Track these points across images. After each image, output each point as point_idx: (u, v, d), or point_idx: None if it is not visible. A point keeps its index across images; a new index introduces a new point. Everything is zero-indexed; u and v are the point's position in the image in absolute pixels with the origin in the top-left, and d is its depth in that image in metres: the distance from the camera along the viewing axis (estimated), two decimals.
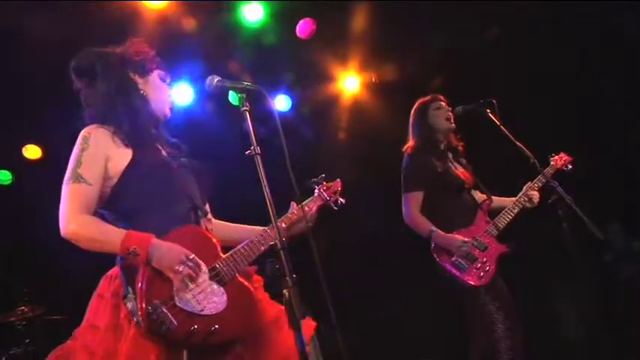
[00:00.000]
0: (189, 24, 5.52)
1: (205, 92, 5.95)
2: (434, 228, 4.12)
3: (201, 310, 2.38)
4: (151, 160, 2.59)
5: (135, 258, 2.33)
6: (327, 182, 3.17)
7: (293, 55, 6.17)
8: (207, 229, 2.65)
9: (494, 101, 4.15)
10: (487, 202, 4.35)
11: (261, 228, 2.81)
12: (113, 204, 2.54)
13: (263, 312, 2.61)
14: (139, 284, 2.30)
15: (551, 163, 4.50)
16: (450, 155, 4.47)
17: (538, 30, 5.92)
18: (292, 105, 6.67)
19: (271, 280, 2.59)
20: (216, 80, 2.79)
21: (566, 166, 4.49)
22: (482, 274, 3.98)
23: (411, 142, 4.47)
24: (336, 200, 3.13)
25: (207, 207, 2.85)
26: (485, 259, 4.04)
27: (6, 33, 4.89)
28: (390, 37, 6.11)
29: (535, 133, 4.38)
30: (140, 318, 2.24)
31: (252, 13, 5.66)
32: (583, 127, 5.99)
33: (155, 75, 2.84)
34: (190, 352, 2.30)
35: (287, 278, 2.34)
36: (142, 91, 2.73)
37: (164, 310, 2.29)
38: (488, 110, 4.15)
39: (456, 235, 4.09)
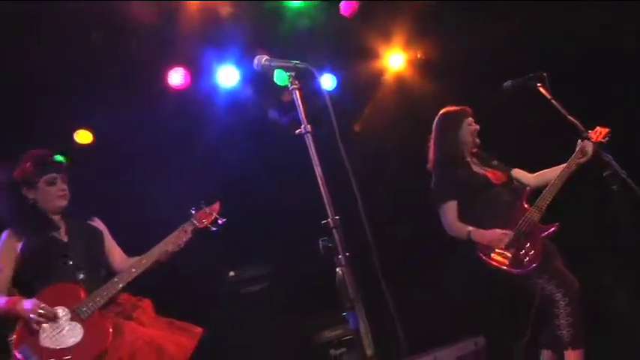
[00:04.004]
0: (234, 5, 5.52)
1: (250, 74, 6.00)
2: (471, 228, 4.13)
3: (58, 345, 3.16)
4: (37, 242, 3.45)
5: (14, 316, 3.24)
6: (205, 207, 3.76)
7: (337, 34, 6.11)
8: (79, 280, 3.42)
9: (544, 75, 4.05)
10: (526, 190, 4.29)
11: (136, 260, 3.56)
12: (21, 277, 3.45)
13: (130, 334, 3.29)
14: (14, 335, 3.20)
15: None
16: (476, 160, 4.45)
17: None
18: (337, 84, 6.61)
19: (323, 259, 2.59)
20: (264, 59, 2.87)
21: (604, 139, 4.36)
22: (526, 259, 3.96)
23: (432, 156, 4.47)
24: (214, 221, 3.73)
25: (117, 254, 3.76)
26: (528, 244, 4.00)
27: (57, 22, 4.97)
28: (436, 12, 6.01)
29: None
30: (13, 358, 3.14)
31: None
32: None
33: (42, 183, 3.57)
34: None
35: (339, 257, 2.35)
36: (30, 200, 3.55)
37: (29, 350, 3.11)
38: (538, 84, 4.06)
39: (494, 229, 4.07)
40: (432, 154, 4.48)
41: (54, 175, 3.60)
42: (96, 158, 6.37)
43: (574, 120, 3.95)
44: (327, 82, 6.48)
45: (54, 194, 3.57)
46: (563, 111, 3.97)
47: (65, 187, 3.63)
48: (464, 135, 4.39)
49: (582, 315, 3.90)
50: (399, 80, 6.81)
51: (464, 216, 4.23)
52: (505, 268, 3.99)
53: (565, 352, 3.87)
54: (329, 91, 6.43)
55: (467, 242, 4.15)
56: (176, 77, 5.92)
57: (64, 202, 3.60)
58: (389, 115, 6.84)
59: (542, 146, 5.25)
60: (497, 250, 4.01)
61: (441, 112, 4.52)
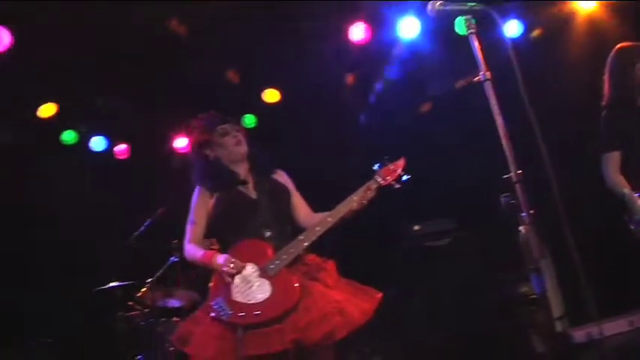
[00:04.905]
0: None
1: (431, 24, 5.82)
2: (626, 191, 3.75)
3: (249, 301, 3.27)
4: (228, 197, 3.59)
5: (210, 268, 3.47)
6: (390, 163, 3.57)
7: None
8: (266, 237, 3.49)
9: None
10: None
11: (321, 218, 3.49)
12: (213, 230, 3.67)
13: (320, 297, 3.32)
14: (211, 286, 3.42)
15: None
16: None
17: None
18: (524, 30, 6.19)
19: (505, 217, 2.45)
20: (438, 4, 2.73)
21: None
22: None
23: (607, 94, 4.01)
24: (398, 178, 3.53)
25: (303, 210, 3.75)
26: None
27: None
28: None
29: None
30: (208, 309, 3.33)
31: None
32: None
33: (216, 137, 3.67)
34: (244, 329, 3.21)
35: (522, 214, 2.22)
36: (211, 158, 3.68)
37: (223, 302, 3.29)
38: None
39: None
40: (605, 90, 4.05)
41: (223, 126, 3.70)
42: (283, 116, 6.63)
43: None
44: (513, 28, 6.10)
45: (230, 143, 3.65)
46: None
47: (238, 134, 3.70)
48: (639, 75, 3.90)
49: None
50: (590, 23, 6.24)
51: (624, 170, 3.86)
52: None
53: None
54: (514, 38, 6.07)
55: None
56: (357, 32, 5.92)
57: (243, 149, 3.66)
58: (578, 62, 6.31)
59: None
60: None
61: (616, 47, 4.05)
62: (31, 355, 5.44)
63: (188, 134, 3.92)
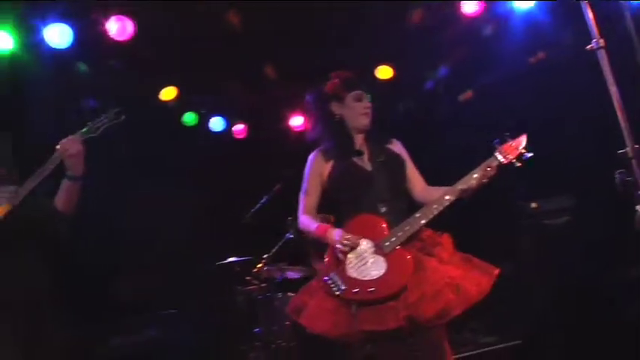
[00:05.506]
0: None
1: None
2: None
3: (363, 277, 3.25)
4: (343, 168, 3.55)
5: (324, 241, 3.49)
6: (510, 140, 3.37)
7: None
8: (381, 212, 3.42)
9: None
10: None
11: (439, 196, 3.35)
12: (327, 203, 3.66)
13: (433, 273, 3.24)
14: (325, 260, 3.46)
15: None
16: None
17: None
18: None
19: (621, 194, 2.31)
20: None
21: None
22: None
23: None
24: (519, 156, 3.33)
25: (418, 182, 3.64)
26: None
27: None
28: None
29: None
30: (323, 283, 3.35)
31: None
32: None
33: (349, 98, 3.59)
34: (358, 305, 3.20)
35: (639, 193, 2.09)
36: (337, 116, 3.61)
37: (337, 277, 3.31)
38: None
39: None
40: None
41: (361, 91, 3.62)
42: (396, 93, 6.58)
43: None
44: None
45: (359, 110, 3.58)
46: None
47: (370, 105, 3.62)
48: None
49: None
50: None
51: None
52: None
53: None
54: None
55: None
56: (469, 5, 5.77)
57: (367, 120, 3.59)
58: None
59: None
60: None
61: None
62: (166, 325, 5.72)
63: (321, 88, 3.74)
